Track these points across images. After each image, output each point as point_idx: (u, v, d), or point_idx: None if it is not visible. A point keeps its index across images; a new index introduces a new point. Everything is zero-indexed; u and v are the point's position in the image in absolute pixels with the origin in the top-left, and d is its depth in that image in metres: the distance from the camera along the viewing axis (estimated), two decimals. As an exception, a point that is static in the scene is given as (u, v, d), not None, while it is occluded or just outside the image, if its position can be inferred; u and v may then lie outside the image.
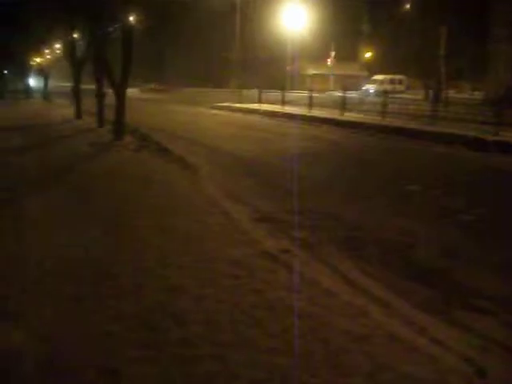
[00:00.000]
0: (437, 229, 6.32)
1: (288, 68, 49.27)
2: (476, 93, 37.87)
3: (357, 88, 41.90)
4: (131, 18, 14.47)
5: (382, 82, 44.75)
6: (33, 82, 50.31)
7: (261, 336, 3.37)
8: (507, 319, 3.94)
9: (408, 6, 44.33)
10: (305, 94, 26.03)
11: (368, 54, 48.63)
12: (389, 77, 46.78)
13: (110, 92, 15.37)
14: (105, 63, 15.20)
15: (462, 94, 39.00)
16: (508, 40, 27.36)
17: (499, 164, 11.30)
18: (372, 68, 53.69)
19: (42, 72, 38.74)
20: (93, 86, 18.01)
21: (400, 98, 26.04)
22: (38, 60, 39.97)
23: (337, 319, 3.62)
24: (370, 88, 42.92)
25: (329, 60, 53.25)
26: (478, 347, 3.45)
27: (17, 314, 3.68)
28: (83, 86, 20.94)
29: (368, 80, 48.09)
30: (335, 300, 3.95)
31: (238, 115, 24.36)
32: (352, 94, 26.80)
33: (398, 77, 47.55)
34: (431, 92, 32.65)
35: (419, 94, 38.07)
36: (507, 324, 3.87)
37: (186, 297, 3.95)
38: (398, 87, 44.01)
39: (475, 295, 4.37)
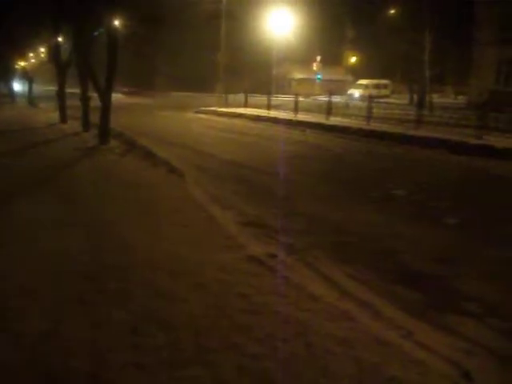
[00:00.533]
0: (422, 232, 6.36)
1: (274, 72, 49.40)
2: (460, 97, 38.19)
3: (342, 92, 42.12)
4: (116, 23, 14.41)
5: (366, 87, 45.05)
6: (17, 86, 49.85)
7: (247, 341, 3.37)
8: (492, 322, 3.97)
9: (392, 11, 44.58)
10: (291, 98, 26.10)
11: (353, 59, 48.89)
12: (374, 81, 47.12)
13: (95, 96, 15.29)
14: (89, 67, 15.13)
15: (445, 99, 39.29)
16: (491, 44, 27.67)
17: (483, 168, 11.40)
18: (357, 72, 54.01)
19: (27, 76, 38.37)
20: (78, 90, 17.90)
21: (385, 102, 26.23)
22: (23, 64, 39.62)
23: (323, 323, 3.62)
24: (355, 92, 43.22)
25: (314, 64, 53.37)
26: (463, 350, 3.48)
27: None
28: (68, 90, 20.80)
29: (353, 84, 48.41)
30: (321, 304, 3.95)
31: (224, 119, 24.35)
32: (337, 99, 26.90)
33: (383, 81, 47.92)
34: (416, 96, 32.94)
35: (404, 99, 38.34)
36: (492, 327, 3.90)
37: (172, 302, 3.94)
38: (383, 92, 44.40)
39: (462, 298, 4.40)
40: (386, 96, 40.97)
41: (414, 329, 3.69)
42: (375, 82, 47.07)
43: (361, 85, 46.42)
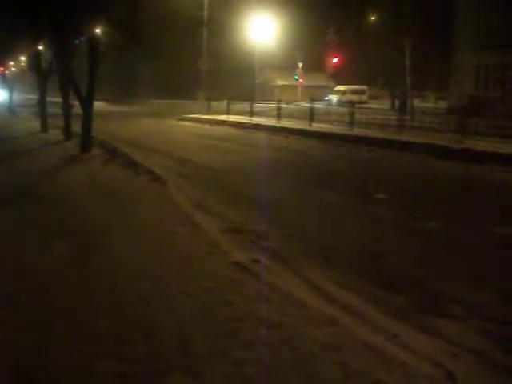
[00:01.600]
0: (405, 237, 6.40)
1: (257, 81, 49.69)
2: (440, 102, 38.59)
3: (324, 98, 42.41)
4: (97, 31, 14.35)
5: (344, 92, 45.48)
6: (-3, 94, 49.34)
7: (232, 347, 3.35)
8: (477, 325, 4.00)
9: (373, 18, 44.97)
10: (273, 104, 26.16)
11: (335, 60, 49.15)
12: (351, 87, 47.58)
13: (76, 104, 15.20)
14: (70, 75, 15.04)
15: (426, 104, 39.70)
16: (470, 50, 28.02)
17: (464, 172, 11.53)
18: (339, 78, 54.27)
19: (7, 84, 37.98)
20: (59, 99, 17.78)
21: (367, 108, 26.39)
22: (3, 72, 39.25)
23: (308, 329, 3.62)
24: (333, 98, 43.67)
25: (296, 71, 53.68)
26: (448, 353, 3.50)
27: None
28: (49, 99, 20.65)
29: (331, 90, 48.85)
30: (306, 310, 3.95)
31: (206, 126, 24.34)
32: (318, 105, 27.00)
33: (360, 87, 48.38)
34: (397, 102, 33.19)
35: (385, 104, 38.63)
36: (477, 330, 3.92)
37: (156, 309, 3.92)
38: (361, 97, 44.70)
39: (445, 301, 4.42)
40: (364, 102, 41.30)
41: (399, 332, 3.70)
42: (353, 87, 47.55)
43: (338, 90, 46.92)
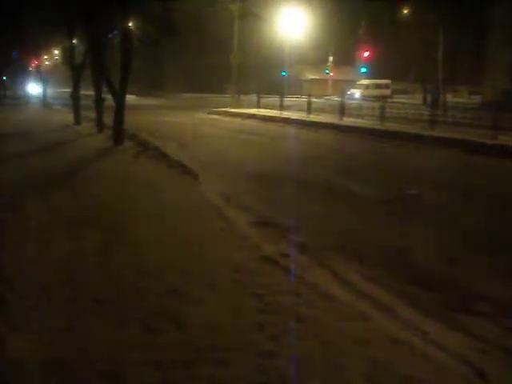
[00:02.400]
0: (436, 233, 6.34)
1: (284, 74, 49.46)
2: (473, 97, 37.92)
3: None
4: (130, 25, 14.50)
5: (367, 87, 44.50)
6: (32, 87, 50.31)
7: (262, 339, 3.39)
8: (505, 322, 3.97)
9: (406, 11, 44.44)
10: (303, 99, 26.07)
11: (366, 54, 48.40)
12: (374, 81, 46.38)
13: (108, 97, 15.41)
14: (104, 69, 15.25)
15: (459, 98, 39.06)
16: (505, 44, 27.46)
17: (498, 168, 11.34)
18: (371, 72, 53.77)
19: (41, 77, 38.72)
20: (92, 92, 18.05)
21: (398, 102, 26.05)
22: (37, 65, 40.00)
23: (337, 323, 3.64)
24: (356, 93, 42.73)
25: (327, 65, 53.39)
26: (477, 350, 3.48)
27: None
28: (82, 92, 20.97)
29: (354, 84, 47.69)
30: (335, 304, 3.97)
31: (237, 120, 24.38)
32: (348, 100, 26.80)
33: (384, 81, 47.13)
34: (429, 96, 32.74)
35: (416, 99, 38.09)
36: (506, 327, 3.89)
37: (187, 301, 3.98)
38: (384, 91, 43.21)
39: (476, 299, 4.39)
40: (388, 96, 40.14)
41: (429, 329, 3.70)
42: (376, 82, 46.42)
43: (361, 85, 45.86)
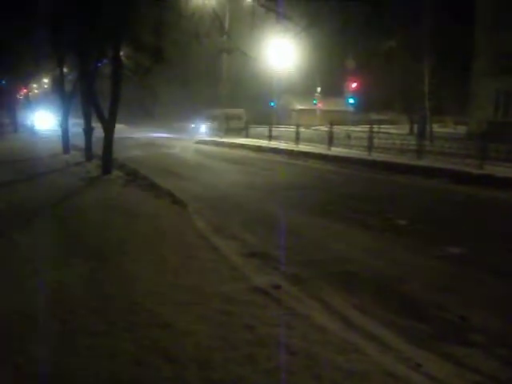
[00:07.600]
0: (425, 262, 6.35)
1: (272, 105, 49.85)
2: (459, 127, 38.43)
3: (343, 123, 42.14)
4: (121, 54, 14.56)
5: (215, 118, 38.46)
6: (20, 115, 50.22)
7: (253, 373, 3.34)
8: (499, 353, 3.94)
9: (391, 44, 45.18)
10: (291, 128, 26.23)
11: (354, 85, 48.89)
12: (226, 111, 37.80)
13: (98, 126, 15.41)
14: (93, 98, 15.27)
15: (445, 129, 39.54)
16: (489, 75, 27.98)
17: (484, 197, 11.44)
18: (358, 102, 54.40)
19: (30, 106, 38.74)
20: (81, 120, 18.04)
21: (386, 133, 26.25)
22: (26, 94, 40.06)
23: (330, 355, 3.59)
24: (202, 126, 38.06)
25: (315, 95, 54.00)
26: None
27: None
28: (73, 120, 20.95)
29: (207, 115, 40.06)
30: (327, 336, 3.93)
31: (225, 150, 24.44)
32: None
33: (236, 111, 38.56)
34: (415, 127, 33.12)
35: (402, 129, 38.44)
36: (498, 357, 3.87)
37: (175, 332, 3.92)
38: (237, 123, 34.38)
39: (466, 329, 4.37)
40: (240, 129, 31.63)
41: (422, 360, 3.67)
42: (228, 111, 38.26)
43: (214, 116, 38.12)
